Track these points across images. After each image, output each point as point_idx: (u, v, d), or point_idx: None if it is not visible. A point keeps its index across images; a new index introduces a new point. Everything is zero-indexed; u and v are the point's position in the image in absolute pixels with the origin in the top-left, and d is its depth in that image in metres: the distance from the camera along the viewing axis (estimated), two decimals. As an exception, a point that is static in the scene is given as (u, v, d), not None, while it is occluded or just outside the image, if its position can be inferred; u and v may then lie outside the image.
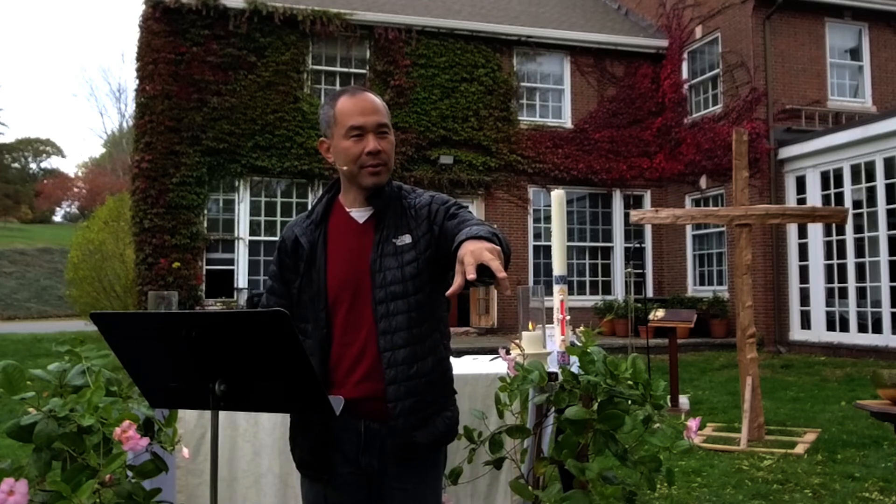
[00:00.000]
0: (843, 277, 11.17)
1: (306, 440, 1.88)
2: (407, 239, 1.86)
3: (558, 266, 3.16)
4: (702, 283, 13.90)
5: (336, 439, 1.84)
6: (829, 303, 11.48)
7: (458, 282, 1.46)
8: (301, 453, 1.91)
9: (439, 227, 1.85)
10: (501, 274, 1.44)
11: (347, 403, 1.79)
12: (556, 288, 3.11)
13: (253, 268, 12.71)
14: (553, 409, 2.45)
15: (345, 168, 1.90)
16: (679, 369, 7.51)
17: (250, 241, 12.72)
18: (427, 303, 1.86)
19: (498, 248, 1.52)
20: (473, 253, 1.47)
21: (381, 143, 1.87)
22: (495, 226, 1.78)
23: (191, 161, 12.21)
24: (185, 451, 2.24)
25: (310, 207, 2.13)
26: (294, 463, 1.96)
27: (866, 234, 10.85)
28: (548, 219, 13.24)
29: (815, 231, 11.61)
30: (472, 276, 1.43)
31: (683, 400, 7.37)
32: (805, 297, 11.90)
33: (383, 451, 1.83)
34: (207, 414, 2.33)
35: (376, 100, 1.91)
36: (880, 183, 10.60)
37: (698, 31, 13.97)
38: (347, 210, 1.94)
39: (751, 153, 11.32)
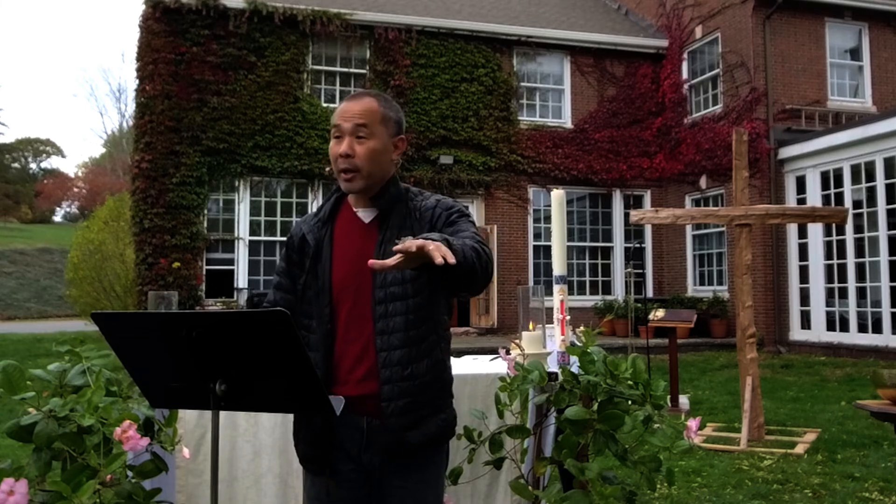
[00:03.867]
0: (843, 277, 11.17)
1: (309, 434, 1.89)
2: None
3: (558, 266, 3.17)
4: (702, 283, 13.90)
5: (339, 436, 1.86)
6: (829, 303, 11.48)
7: (385, 262, 1.49)
8: (304, 448, 1.92)
9: (438, 232, 1.85)
10: (418, 249, 1.45)
11: (350, 401, 1.80)
12: (556, 288, 3.11)
13: (253, 268, 12.71)
14: (553, 409, 2.45)
15: (331, 169, 1.96)
16: (679, 369, 7.51)
17: (250, 241, 12.70)
18: (426, 305, 1.87)
19: (442, 244, 1.50)
20: (415, 243, 1.47)
21: (356, 146, 1.85)
22: (486, 244, 1.77)
23: (191, 161, 12.20)
24: (185, 451, 2.24)
25: (311, 207, 2.15)
26: (296, 460, 1.98)
27: (866, 234, 10.84)
28: (548, 219, 13.22)
29: (815, 231, 11.61)
30: (399, 245, 1.47)
31: (683, 400, 7.36)
32: (805, 297, 11.89)
33: (384, 449, 1.85)
34: (207, 414, 2.33)
35: (368, 103, 1.89)
36: (880, 183, 10.60)
37: (698, 31, 13.97)
38: (354, 209, 1.96)
39: (751, 153, 11.32)
